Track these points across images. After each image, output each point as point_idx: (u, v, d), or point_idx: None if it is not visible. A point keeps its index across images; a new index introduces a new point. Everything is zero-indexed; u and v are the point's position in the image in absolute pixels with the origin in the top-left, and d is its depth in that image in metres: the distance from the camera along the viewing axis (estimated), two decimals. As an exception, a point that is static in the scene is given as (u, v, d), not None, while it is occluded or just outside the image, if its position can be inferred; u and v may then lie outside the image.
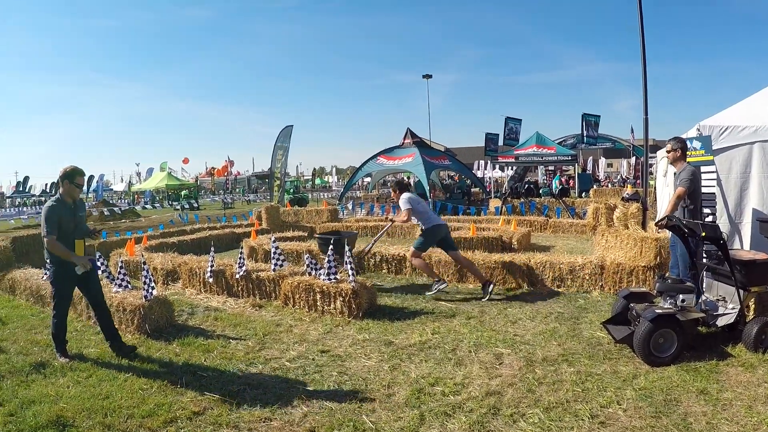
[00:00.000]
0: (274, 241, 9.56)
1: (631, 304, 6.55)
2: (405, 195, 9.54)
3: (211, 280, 9.83)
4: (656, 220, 7.62)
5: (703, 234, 6.27)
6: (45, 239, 6.34)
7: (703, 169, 8.06)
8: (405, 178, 19.26)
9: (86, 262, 6.45)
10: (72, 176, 6.50)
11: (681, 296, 6.33)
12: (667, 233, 7.88)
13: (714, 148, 7.86)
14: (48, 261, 6.57)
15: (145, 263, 7.90)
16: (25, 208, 44.75)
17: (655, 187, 12.16)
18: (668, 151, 7.95)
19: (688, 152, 8.05)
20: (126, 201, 51.87)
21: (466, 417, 4.87)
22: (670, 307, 6.25)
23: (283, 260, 9.44)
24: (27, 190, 60.71)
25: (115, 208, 31.40)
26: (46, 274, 7.14)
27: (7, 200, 54.23)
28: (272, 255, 9.32)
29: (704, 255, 6.99)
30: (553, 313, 8.08)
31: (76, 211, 6.60)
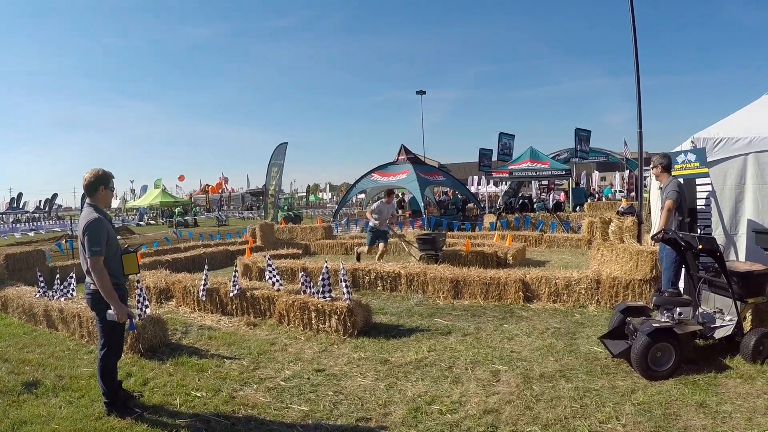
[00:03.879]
0: (269, 259, 9.50)
1: (628, 318, 6.52)
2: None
3: (204, 298, 9.77)
4: (652, 234, 7.62)
5: (700, 246, 6.25)
6: (89, 259, 5.19)
7: (698, 181, 8.07)
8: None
9: (125, 314, 5.36)
10: (108, 179, 5.54)
11: (678, 309, 6.31)
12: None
13: (708, 160, 7.86)
14: (92, 286, 5.39)
15: (138, 281, 7.84)
16: (18, 225, 44.75)
17: (649, 201, 12.17)
18: (652, 168, 8.04)
19: (678, 166, 8.10)
20: (120, 218, 51.82)
21: (463, 435, 4.81)
22: (668, 320, 6.22)
23: (279, 280, 9.39)
24: (21, 207, 60.86)
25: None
26: (88, 297, 5.60)
27: (1, 216, 54.12)
28: (268, 274, 9.28)
29: (700, 267, 6.97)
30: (549, 328, 8.03)
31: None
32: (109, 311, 5.29)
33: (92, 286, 5.39)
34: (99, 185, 5.48)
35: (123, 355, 6.89)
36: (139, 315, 7.48)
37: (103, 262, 5.27)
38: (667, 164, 7.96)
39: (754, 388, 5.48)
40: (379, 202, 14.49)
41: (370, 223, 14.04)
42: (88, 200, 5.55)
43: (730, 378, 5.76)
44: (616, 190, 39.43)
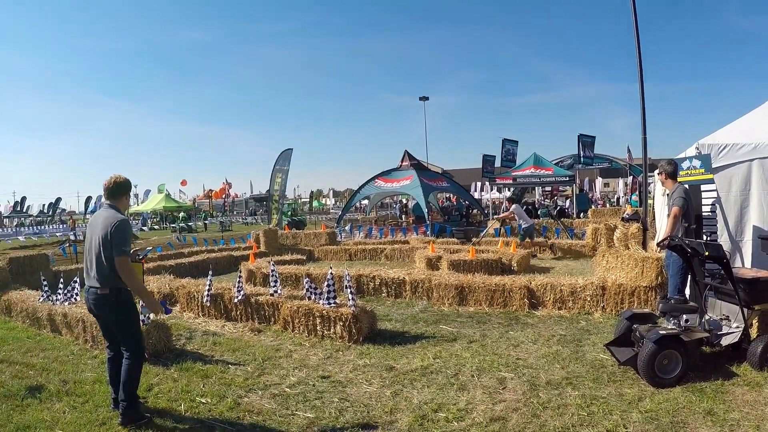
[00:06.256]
0: (273, 265, 9.49)
1: (634, 326, 6.49)
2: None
3: (208, 303, 9.76)
4: (657, 241, 7.60)
5: (707, 253, 6.23)
6: (118, 259, 5.14)
7: (703, 187, 8.05)
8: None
9: (159, 306, 5.57)
10: (130, 187, 5.64)
11: (684, 316, 6.28)
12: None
13: (713, 166, 7.84)
14: (113, 287, 5.31)
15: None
16: (22, 228, 44.65)
17: (654, 207, 12.15)
18: (658, 174, 8.03)
19: (683, 172, 8.08)
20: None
21: (470, 443, 4.79)
22: (674, 327, 6.19)
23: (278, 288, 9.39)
24: (24, 211, 60.58)
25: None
26: (94, 300, 5.43)
27: (5, 220, 54.01)
28: (271, 279, 9.27)
29: (706, 274, 6.94)
30: (555, 335, 8.00)
31: None
32: (142, 305, 5.59)
33: (99, 291, 5.34)
34: (126, 191, 5.60)
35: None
36: (143, 321, 7.49)
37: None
38: (672, 171, 7.95)
39: (761, 396, 5.46)
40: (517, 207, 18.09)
41: (524, 225, 17.41)
42: (108, 202, 5.54)
43: (738, 385, 5.74)
44: (636, 199, 39.17)
